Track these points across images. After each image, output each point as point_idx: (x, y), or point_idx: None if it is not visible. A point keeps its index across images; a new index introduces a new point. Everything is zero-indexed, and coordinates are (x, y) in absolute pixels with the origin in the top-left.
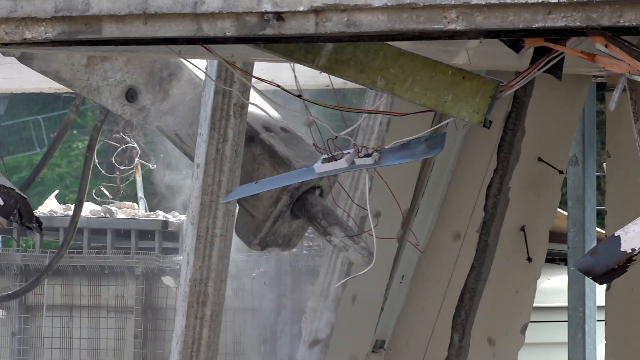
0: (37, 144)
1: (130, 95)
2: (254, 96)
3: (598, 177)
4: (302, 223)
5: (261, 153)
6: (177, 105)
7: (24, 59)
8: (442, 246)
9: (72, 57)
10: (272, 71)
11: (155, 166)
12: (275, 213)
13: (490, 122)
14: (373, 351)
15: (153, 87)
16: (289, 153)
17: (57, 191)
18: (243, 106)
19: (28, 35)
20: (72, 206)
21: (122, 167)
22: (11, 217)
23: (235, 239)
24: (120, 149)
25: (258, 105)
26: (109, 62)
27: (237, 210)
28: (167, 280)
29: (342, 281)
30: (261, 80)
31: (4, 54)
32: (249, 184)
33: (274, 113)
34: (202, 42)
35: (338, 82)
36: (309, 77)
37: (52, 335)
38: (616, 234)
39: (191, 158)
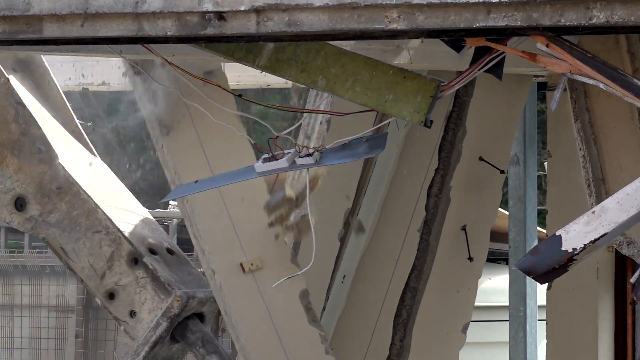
0: None
1: (19, 203)
2: (137, 217)
3: (539, 176)
4: (181, 346)
5: (144, 277)
6: (63, 219)
7: None
8: (384, 246)
9: None
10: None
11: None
12: (154, 338)
13: (431, 121)
14: None
15: (42, 198)
16: (171, 278)
17: None
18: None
19: None
20: None
21: None
22: None
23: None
24: None
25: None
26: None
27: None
28: None
29: (280, 281)
30: (202, 79)
31: None
32: (189, 183)
33: (161, 233)
34: (143, 42)
35: (279, 81)
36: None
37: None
38: (557, 234)
39: (75, 275)
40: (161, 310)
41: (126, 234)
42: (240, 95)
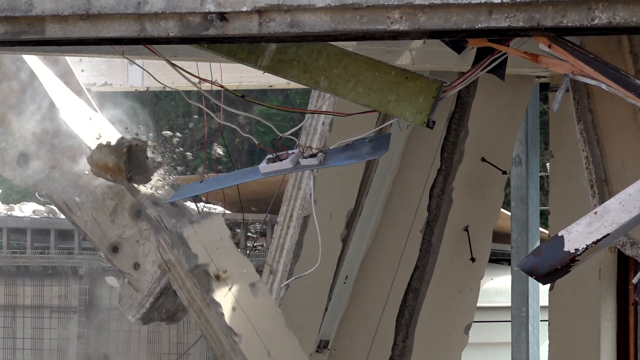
0: None
1: (22, 160)
2: None
3: (541, 177)
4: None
5: (147, 228)
6: (66, 174)
7: None
8: (386, 246)
9: None
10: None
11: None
12: (158, 289)
13: (434, 122)
14: (317, 351)
15: (45, 154)
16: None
17: (0, 191)
18: None
19: None
20: (16, 206)
21: None
22: None
23: None
24: None
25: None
26: (1, 125)
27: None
28: (111, 280)
29: (287, 282)
30: (204, 80)
31: None
32: (194, 183)
33: (164, 187)
34: (145, 43)
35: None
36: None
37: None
38: (559, 234)
39: (79, 228)
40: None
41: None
42: (243, 96)
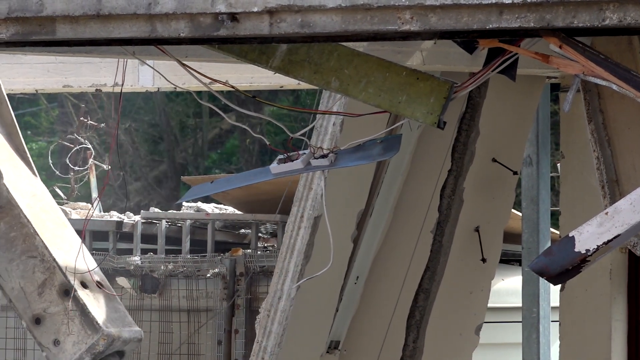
0: None
1: None
2: (72, 246)
3: (552, 177)
4: None
5: (73, 309)
6: (0, 238)
7: None
8: (397, 247)
9: None
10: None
11: (109, 167)
12: None
13: (445, 122)
14: (328, 352)
15: None
16: (100, 316)
17: None
18: None
19: None
20: None
21: (76, 168)
22: None
23: None
24: (74, 149)
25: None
26: None
27: None
28: (122, 281)
29: (299, 283)
30: (216, 81)
31: None
32: (205, 184)
33: (92, 263)
34: (156, 43)
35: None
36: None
37: (6, 336)
38: (570, 235)
39: (4, 293)
40: (86, 345)
41: (60, 264)
42: (254, 96)
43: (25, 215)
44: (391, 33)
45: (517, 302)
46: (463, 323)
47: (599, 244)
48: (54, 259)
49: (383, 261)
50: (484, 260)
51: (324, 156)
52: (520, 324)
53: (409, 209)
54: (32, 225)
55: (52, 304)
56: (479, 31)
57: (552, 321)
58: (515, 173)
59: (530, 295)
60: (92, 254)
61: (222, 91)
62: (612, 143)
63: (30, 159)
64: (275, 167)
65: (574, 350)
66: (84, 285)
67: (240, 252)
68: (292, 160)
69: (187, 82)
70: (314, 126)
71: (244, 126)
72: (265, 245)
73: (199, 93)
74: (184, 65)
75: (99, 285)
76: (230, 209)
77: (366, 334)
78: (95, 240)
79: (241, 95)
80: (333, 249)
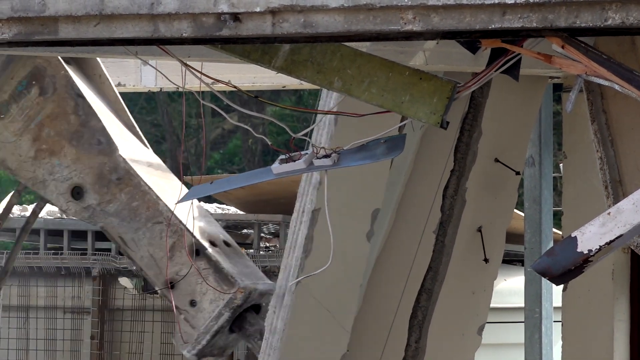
0: None
1: (77, 192)
2: (194, 209)
3: (554, 178)
4: (237, 337)
5: (206, 267)
6: (122, 210)
7: None
8: (399, 247)
9: (19, 148)
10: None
11: None
12: (216, 327)
13: (447, 123)
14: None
15: (100, 188)
16: (233, 270)
17: (13, 192)
18: None
19: None
20: (29, 207)
21: None
22: None
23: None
24: None
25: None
26: (57, 157)
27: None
28: (124, 281)
29: (296, 280)
30: (218, 81)
31: None
32: (205, 184)
33: (217, 226)
34: (158, 43)
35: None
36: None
37: (9, 336)
38: (573, 235)
39: (134, 263)
40: (223, 300)
41: (187, 226)
42: (256, 96)
43: (145, 183)
44: (394, 33)
45: (520, 302)
46: (465, 323)
47: (601, 244)
48: (180, 222)
49: (385, 261)
50: (486, 260)
51: (326, 156)
52: (523, 324)
53: (411, 209)
54: (154, 191)
55: (184, 266)
56: (482, 31)
57: (554, 321)
58: (517, 173)
59: (533, 296)
60: (94, 254)
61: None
62: (615, 143)
63: (140, 132)
64: (277, 167)
65: (576, 351)
66: (212, 244)
67: (243, 252)
68: (294, 161)
69: (189, 82)
70: (316, 126)
71: (246, 126)
72: (268, 245)
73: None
74: (186, 65)
75: (227, 244)
76: (232, 209)
77: (369, 334)
78: (97, 240)
79: (243, 96)
80: (333, 246)
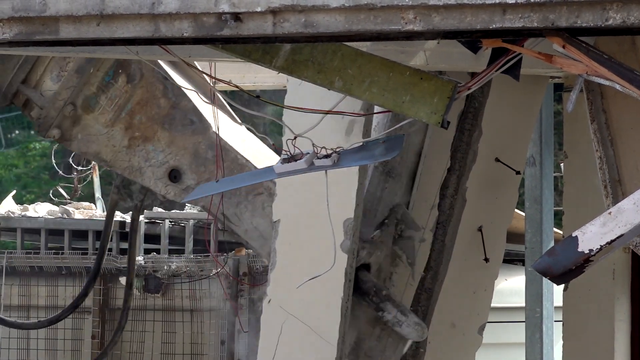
0: None
1: (174, 175)
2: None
3: (555, 177)
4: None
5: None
6: None
7: (63, 140)
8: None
9: (112, 139)
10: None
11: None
12: None
13: (448, 122)
14: None
15: (197, 167)
16: None
17: (14, 192)
18: None
19: None
20: (30, 207)
21: (79, 168)
22: None
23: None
24: None
25: None
26: (151, 143)
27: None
28: (125, 281)
29: (302, 283)
30: (220, 80)
31: None
32: (210, 182)
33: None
34: (159, 43)
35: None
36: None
37: (10, 336)
38: (573, 235)
39: (239, 237)
40: None
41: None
42: (258, 96)
43: (243, 156)
44: (394, 33)
45: (520, 302)
46: (466, 323)
47: (602, 244)
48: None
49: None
50: (487, 260)
51: (327, 156)
52: (524, 323)
53: (413, 209)
54: (251, 163)
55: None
56: (483, 31)
57: (555, 321)
58: (518, 173)
59: (534, 295)
60: (95, 254)
61: (225, 91)
62: (615, 143)
63: (230, 109)
64: (278, 167)
65: (577, 350)
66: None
67: (244, 252)
68: (296, 160)
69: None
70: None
71: (247, 126)
72: None
73: None
74: (188, 64)
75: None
76: None
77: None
78: (98, 240)
79: (245, 95)
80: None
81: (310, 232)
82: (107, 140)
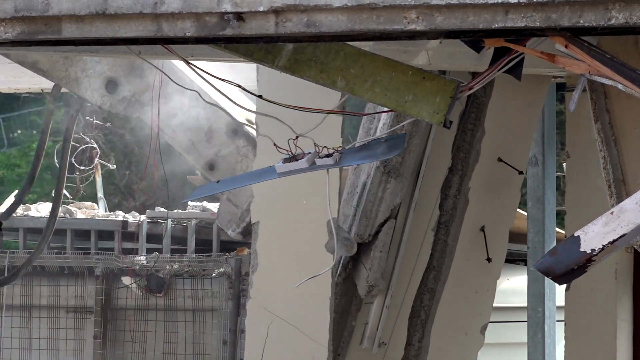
0: None
1: (111, 87)
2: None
3: (558, 177)
4: None
5: (245, 145)
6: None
7: None
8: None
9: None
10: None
11: (114, 166)
12: None
13: (451, 122)
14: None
15: (134, 78)
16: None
17: (16, 191)
18: None
19: None
20: (32, 206)
21: (81, 167)
22: None
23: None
24: (80, 149)
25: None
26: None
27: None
28: (127, 280)
29: (302, 282)
30: (222, 80)
31: None
32: (211, 183)
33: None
34: (162, 42)
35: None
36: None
37: (12, 336)
38: (576, 235)
39: (174, 147)
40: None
41: (223, 106)
42: (260, 95)
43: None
44: (397, 32)
45: (523, 301)
46: (468, 323)
47: (604, 244)
48: (216, 103)
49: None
50: (489, 259)
51: (328, 155)
52: (526, 323)
53: (415, 209)
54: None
55: (223, 146)
56: (485, 31)
57: (557, 321)
58: (520, 172)
59: (536, 295)
60: (97, 254)
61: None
62: (619, 143)
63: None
64: (280, 167)
65: (579, 350)
66: (249, 122)
67: (246, 251)
68: (297, 160)
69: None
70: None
71: (250, 125)
72: None
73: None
74: (189, 64)
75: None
76: None
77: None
78: (100, 239)
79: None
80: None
81: (291, 233)
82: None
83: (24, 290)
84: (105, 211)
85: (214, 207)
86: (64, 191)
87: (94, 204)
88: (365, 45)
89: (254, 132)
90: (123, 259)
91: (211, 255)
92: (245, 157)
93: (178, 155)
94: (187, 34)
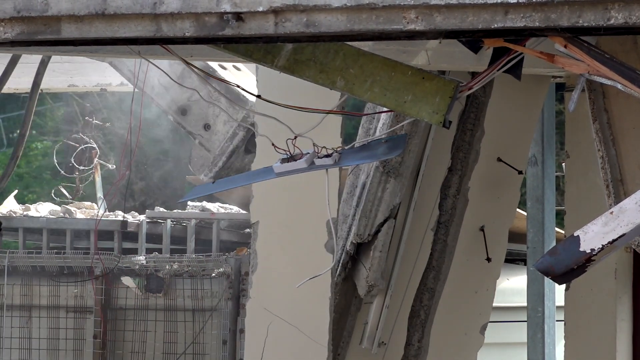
0: None
1: None
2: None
3: (557, 177)
4: (253, 158)
5: (216, 89)
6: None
7: None
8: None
9: None
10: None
11: (114, 166)
12: (231, 148)
13: (450, 122)
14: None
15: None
16: (245, 88)
17: (16, 191)
18: None
19: None
20: (32, 206)
21: (81, 168)
22: None
23: None
24: (79, 149)
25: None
26: None
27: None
28: (127, 280)
29: (303, 282)
30: (221, 80)
31: None
32: (207, 183)
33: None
34: (161, 43)
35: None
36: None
37: (11, 336)
38: (575, 234)
39: (146, 94)
40: (237, 120)
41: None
42: (259, 95)
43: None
44: (396, 32)
45: (522, 301)
46: (468, 322)
47: (604, 244)
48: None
49: (388, 260)
50: (489, 259)
51: (327, 155)
52: (525, 323)
53: (415, 208)
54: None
55: (194, 91)
56: (484, 31)
57: (557, 320)
58: (520, 172)
59: (535, 295)
60: (97, 254)
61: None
62: (617, 142)
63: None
64: (278, 167)
65: (579, 350)
66: (222, 67)
67: (246, 251)
68: (296, 160)
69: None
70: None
71: (248, 125)
72: None
73: None
74: (189, 64)
75: (236, 67)
76: (235, 209)
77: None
78: (100, 239)
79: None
80: (336, 247)
81: (290, 233)
82: None
83: (23, 290)
84: (105, 211)
85: (213, 207)
86: (63, 191)
87: (94, 204)
88: (365, 45)
89: (226, 77)
90: (123, 259)
91: (211, 255)
92: (217, 102)
93: (174, 159)
94: (187, 34)
